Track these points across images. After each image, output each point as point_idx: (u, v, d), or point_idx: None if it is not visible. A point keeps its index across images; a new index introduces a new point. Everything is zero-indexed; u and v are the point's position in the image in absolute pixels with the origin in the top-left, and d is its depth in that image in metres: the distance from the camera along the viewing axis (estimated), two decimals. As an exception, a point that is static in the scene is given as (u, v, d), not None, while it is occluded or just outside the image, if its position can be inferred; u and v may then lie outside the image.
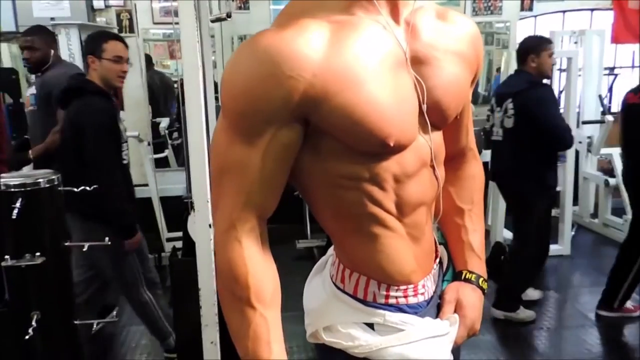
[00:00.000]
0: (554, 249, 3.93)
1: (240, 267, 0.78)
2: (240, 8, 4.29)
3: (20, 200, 1.40)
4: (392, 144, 0.78)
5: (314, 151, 0.80)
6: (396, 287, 0.88)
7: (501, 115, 2.90)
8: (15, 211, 1.39)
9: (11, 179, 1.45)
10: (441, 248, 1.02)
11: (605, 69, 4.83)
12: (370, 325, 0.87)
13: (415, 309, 0.90)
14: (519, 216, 3.03)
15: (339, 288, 0.90)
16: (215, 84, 2.17)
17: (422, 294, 0.91)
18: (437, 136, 0.89)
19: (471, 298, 0.98)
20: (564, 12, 5.00)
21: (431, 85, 0.83)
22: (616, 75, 4.97)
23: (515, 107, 2.80)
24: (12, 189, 1.41)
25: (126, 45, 2.35)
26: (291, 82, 0.72)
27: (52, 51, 2.79)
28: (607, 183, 4.22)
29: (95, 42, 2.29)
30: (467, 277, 1.01)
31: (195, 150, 1.64)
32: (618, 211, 4.27)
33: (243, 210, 0.78)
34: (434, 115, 0.85)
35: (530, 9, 4.78)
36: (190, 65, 1.58)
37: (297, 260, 3.82)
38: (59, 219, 1.56)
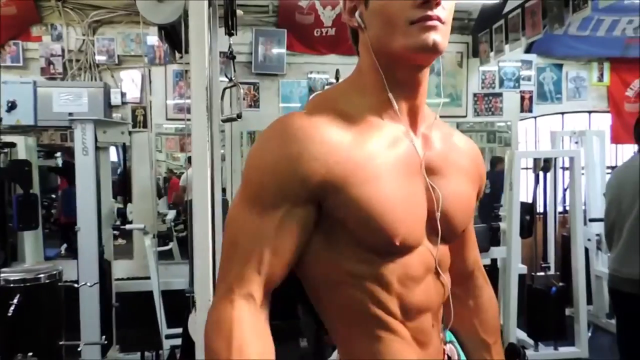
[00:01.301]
0: (570, 351, 3.75)
1: (226, 325, 0.74)
2: (250, 106, 4.47)
3: (18, 296, 1.37)
4: (398, 243, 0.79)
5: (323, 241, 0.81)
6: None
7: None
8: (12, 308, 1.35)
9: (11, 273, 1.43)
10: (450, 347, 0.98)
11: (608, 167, 4.90)
12: None
13: None
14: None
15: None
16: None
17: None
18: (442, 249, 0.89)
19: None
20: (562, 113, 5.18)
21: (442, 195, 0.85)
22: (619, 174, 5.01)
23: None
24: (11, 285, 1.39)
25: None
26: (315, 164, 0.75)
27: None
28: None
29: None
30: None
31: (199, 245, 1.62)
32: (634, 313, 4.11)
33: (244, 278, 0.77)
34: (443, 225, 0.86)
35: (530, 110, 4.96)
36: (199, 160, 1.61)
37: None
38: (56, 315, 1.52)
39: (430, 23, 0.76)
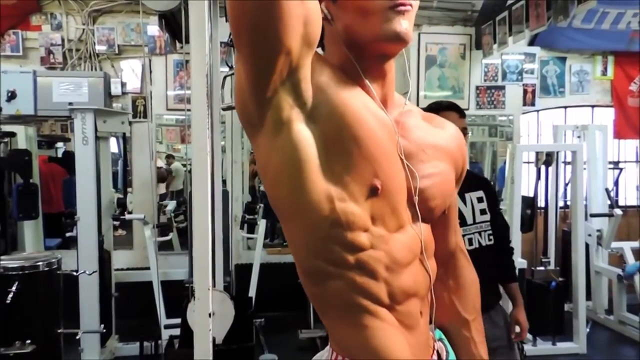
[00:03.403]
0: (568, 346, 3.75)
1: None
2: (251, 97, 4.45)
3: (16, 283, 1.36)
4: (379, 186, 0.79)
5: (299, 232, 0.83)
6: None
7: None
8: (10, 295, 1.34)
9: (9, 261, 1.42)
10: (439, 344, 0.99)
11: (610, 162, 4.88)
12: None
13: None
14: None
15: None
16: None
17: None
18: (426, 229, 0.91)
19: None
20: (565, 107, 5.15)
21: (419, 177, 0.86)
22: (621, 169, 5.00)
23: None
24: (9, 272, 1.38)
25: None
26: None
27: None
28: (620, 278, 4.10)
29: None
30: None
31: (199, 236, 1.61)
32: (634, 308, 4.11)
33: None
34: (421, 206, 0.87)
35: (533, 104, 4.94)
36: (199, 150, 1.59)
37: (299, 351, 3.65)
38: (55, 303, 1.51)
39: (403, 8, 0.80)
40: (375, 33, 0.80)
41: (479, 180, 2.08)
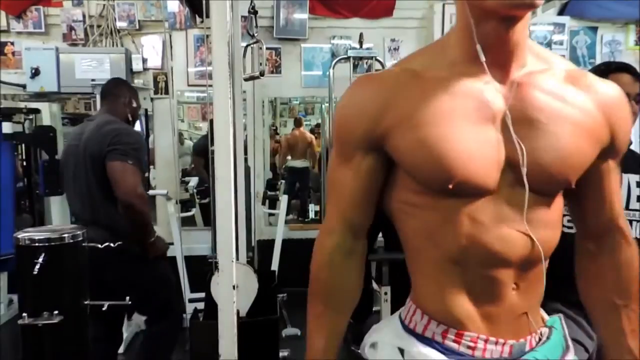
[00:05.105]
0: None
1: (320, 250, 0.96)
2: (272, 72, 4.40)
3: (43, 255, 1.37)
4: (451, 187, 0.81)
5: (392, 181, 0.92)
6: (437, 323, 0.89)
7: None
8: (37, 266, 1.36)
9: (36, 233, 1.43)
10: (545, 330, 0.93)
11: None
12: (401, 351, 0.91)
13: (454, 355, 0.87)
14: None
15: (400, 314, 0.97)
16: (245, 145, 2.16)
17: (472, 348, 0.87)
18: (537, 200, 0.86)
19: None
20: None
21: (530, 147, 0.83)
22: None
23: None
24: (36, 244, 1.39)
25: None
26: (372, 118, 0.87)
27: None
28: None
29: None
30: None
31: (222, 209, 1.60)
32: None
33: (338, 222, 0.95)
34: (533, 177, 0.84)
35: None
36: (221, 123, 1.57)
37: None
38: (81, 276, 1.52)
39: None
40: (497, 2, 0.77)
41: None
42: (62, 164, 2.44)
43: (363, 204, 0.93)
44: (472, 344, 0.87)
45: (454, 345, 0.87)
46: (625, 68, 1.66)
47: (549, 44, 4.58)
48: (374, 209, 0.94)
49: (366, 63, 4.30)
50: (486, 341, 0.87)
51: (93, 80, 3.55)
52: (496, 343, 0.87)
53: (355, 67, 4.21)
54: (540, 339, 0.92)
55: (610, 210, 0.98)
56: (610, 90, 0.90)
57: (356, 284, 0.98)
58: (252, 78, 1.76)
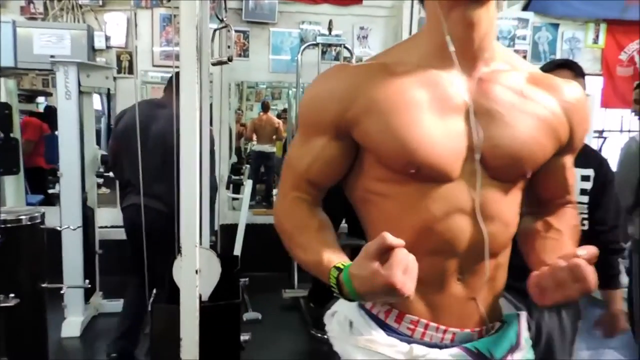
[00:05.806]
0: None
1: (285, 213, 0.98)
2: (240, 56, 4.35)
3: (-1, 237, 1.34)
4: (414, 171, 0.86)
5: (358, 169, 0.95)
6: (380, 304, 0.94)
7: None
8: (-7, 248, 1.32)
9: (-8, 214, 1.39)
10: (499, 324, 0.97)
11: (595, 132, 4.92)
12: (350, 323, 0.96)
13: (395, 334, 0.92)
14: None
15: None
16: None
17: (412, 330, 0.91)
18: (495, 189, 0.90)
19: None
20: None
21: (488, 134, 0.88)
22: (605, 138, 5.06)
23: None
24: (-8, 225, 1.35)
25: None
26: (340, 103, 0.90)
27: None
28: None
29: None
30: None
31: (186, 192, 1.59)
32: None
33: (295, 186, 0.97)
34: (490, 162, 0.88)
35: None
36: (188, 107, 1.55)
37: (283, 310, 3.70)
38: (38, 258, 1.49)
39: None
40: None
41: (592, 158, 1.82)
42: (122, 144, 2.51)
43: (318, 182, 0.96)
44: (411, 326, 0.92)
45: (395, 325, 0.92)
46: (567, 65, 1.74)
47: (512, 39, 4.69)
48: (324, 191, 0.99)
49: (335, 50, 4.30)
50: (426, 326, 0.91)
51: (52, 56, 3.42)
52: (437, 329, 0.91)
53: (323, 53, 4.21)
54: (487, 333, 0.95)
55: (567, 193, 1.03)
56: (572, 91, 0.95)
57: (325, 218, 0.98)
58: (219, 63, 1.74)
